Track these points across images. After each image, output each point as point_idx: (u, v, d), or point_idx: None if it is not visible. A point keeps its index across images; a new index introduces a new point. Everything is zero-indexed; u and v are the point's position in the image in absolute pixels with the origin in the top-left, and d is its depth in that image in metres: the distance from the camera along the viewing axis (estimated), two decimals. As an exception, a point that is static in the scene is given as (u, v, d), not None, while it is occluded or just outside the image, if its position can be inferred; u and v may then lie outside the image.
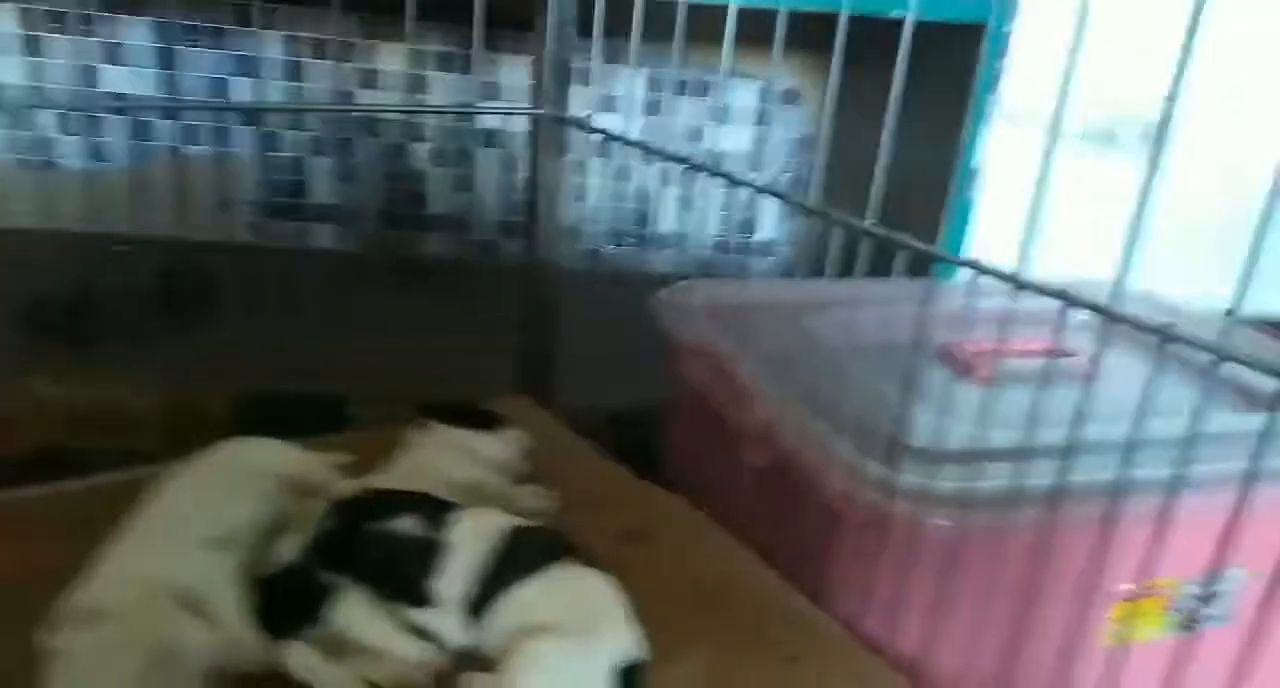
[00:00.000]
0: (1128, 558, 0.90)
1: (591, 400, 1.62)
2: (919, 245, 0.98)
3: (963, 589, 1.03)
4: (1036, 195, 0.86)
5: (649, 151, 1.34)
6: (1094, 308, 0.81)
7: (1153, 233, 0.80)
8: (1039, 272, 0.92)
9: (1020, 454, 0.96)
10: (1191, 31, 0.74)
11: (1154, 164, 0.77)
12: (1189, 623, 1.27)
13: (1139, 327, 0.78)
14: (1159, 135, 0.77)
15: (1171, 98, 0.76)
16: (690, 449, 1.36)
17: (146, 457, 1.35)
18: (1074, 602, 0.99)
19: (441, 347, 1.59)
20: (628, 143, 1.35)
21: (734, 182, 1.19)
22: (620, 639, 0.93)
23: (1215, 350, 0.74)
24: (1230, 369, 0.77)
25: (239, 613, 0.92)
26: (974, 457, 1.00)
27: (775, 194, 1.21)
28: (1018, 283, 0.87)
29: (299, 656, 0.92)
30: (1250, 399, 1.37)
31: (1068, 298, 0.83)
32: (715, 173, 1.21)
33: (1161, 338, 0.77)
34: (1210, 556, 0.82)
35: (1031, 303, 0.96)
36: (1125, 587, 1.18)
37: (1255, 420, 1.32)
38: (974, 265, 0.91)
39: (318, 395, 1.56)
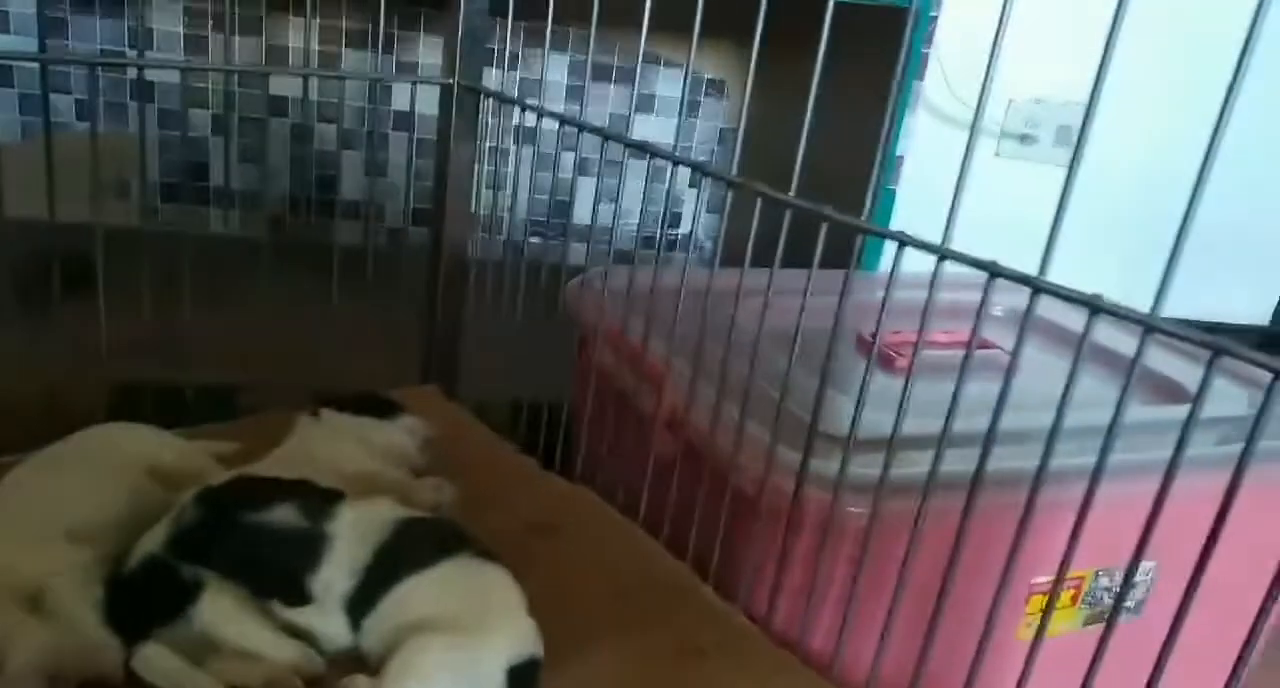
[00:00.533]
0: (1042, 550, 0.88)
1: (497, 392, 1.55)
2: (844, 218, 0.94)
3: (876, 580, 0.99)
4: (961, 171, 0.83)
5: (565, 122, 1.27)
6: (1021, 279, 0.78)
7: (1063, 231, 0.77)
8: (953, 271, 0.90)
9: (935, 443, 0.93)
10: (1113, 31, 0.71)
11: (1075, 158, 0.74)
12: (1102, 615, 1.26)
13: (1066, 296, 0.75)
14: (1081, 133, 0.73)
15: (1091, 99, 0.73)
16: (598, 439, 1.30)
17: (11, 450, 1.25)
18: (989, 594, 0.96)
19: (342, 336, 1.50)
20: (546, 113, 1.29)
21: (653, 153, 1.14)
22: (515, 636, 0.87)
23: (1142, 321, 0.71)
24: (1145, 365, 0.74)
25: (89, 612, 0.83)
26: (889, 445, 0.96)
27: (695, 166, 1.16)
28: (943, 253, 0.83)
29: (154, 659, 0.83)
30: (1166, 393, 1.38)
31: (994, 269, 0.79)
32: (632, 143, 1.16)
33: (1091, 309, 0.74)
34: (1124, 548, 0.80)
35: (950, 295, 0.94)
36: (1039, 579, 1.16)
37: (1170, 412, 1.34)
38: (900, 237, 0.87)
39: (204, 384, 1.46)
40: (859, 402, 0.95)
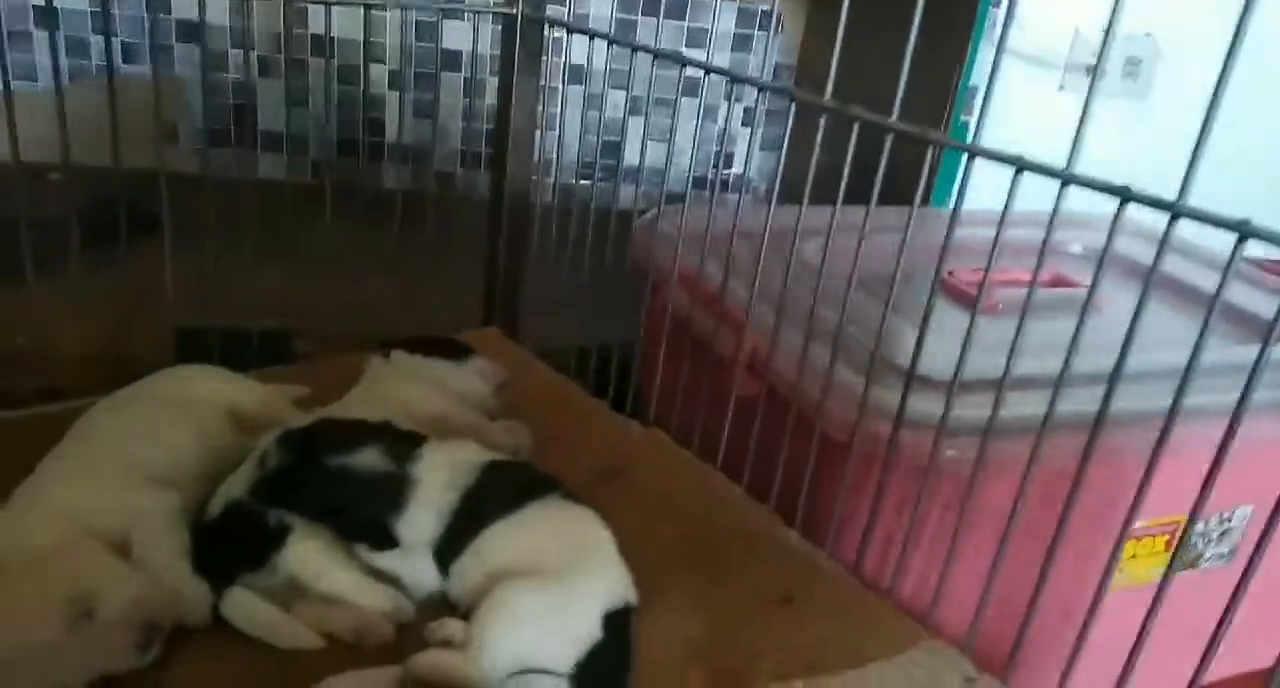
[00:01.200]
0: (1136, 494, 0.84)
1: (559, 337, 1.52)
2: (955, 142, 0.89)
3: (970, 526, 0.95)
4: (1086, 104, 0.77)
5: (638, 49, 1.21)
6: (1159, 204, 0.72)
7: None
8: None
9: (1029, 384, 0.90)
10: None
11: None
12: (1195, 561, 1.22)
13: (1211, 221, 0.70)
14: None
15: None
16: (669, 383, 1.26)
17: (81, 394, 1.24)
18: (1083, 538, 0.92)
19: (400, 282, 1.47)
20: (618, 42, 1.23)
21: (716, 71, 1.09)
22: (609, 582, 0.85)
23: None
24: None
25: (176, 558, 0.81)
26: (984, 386, 0.92)
27: (772, 88, 1.09)
28: (1068, 178, 0.78)
29: (242, 604, 0.82)
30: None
31: (1127, 194, 0.74)
32: (694, 64, 1.10)
33: (1240, 234, 0.68)
34: (1220, 492, 0.77)
35: (1022, 233, 0.89)
36: (1135, 525, 1.12)
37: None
38: (1019, 162, 0.82)
39: (263, 330, 1.44)
40: (965, 343, 0.91)
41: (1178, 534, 1.18)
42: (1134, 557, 1.17)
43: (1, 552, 0.73)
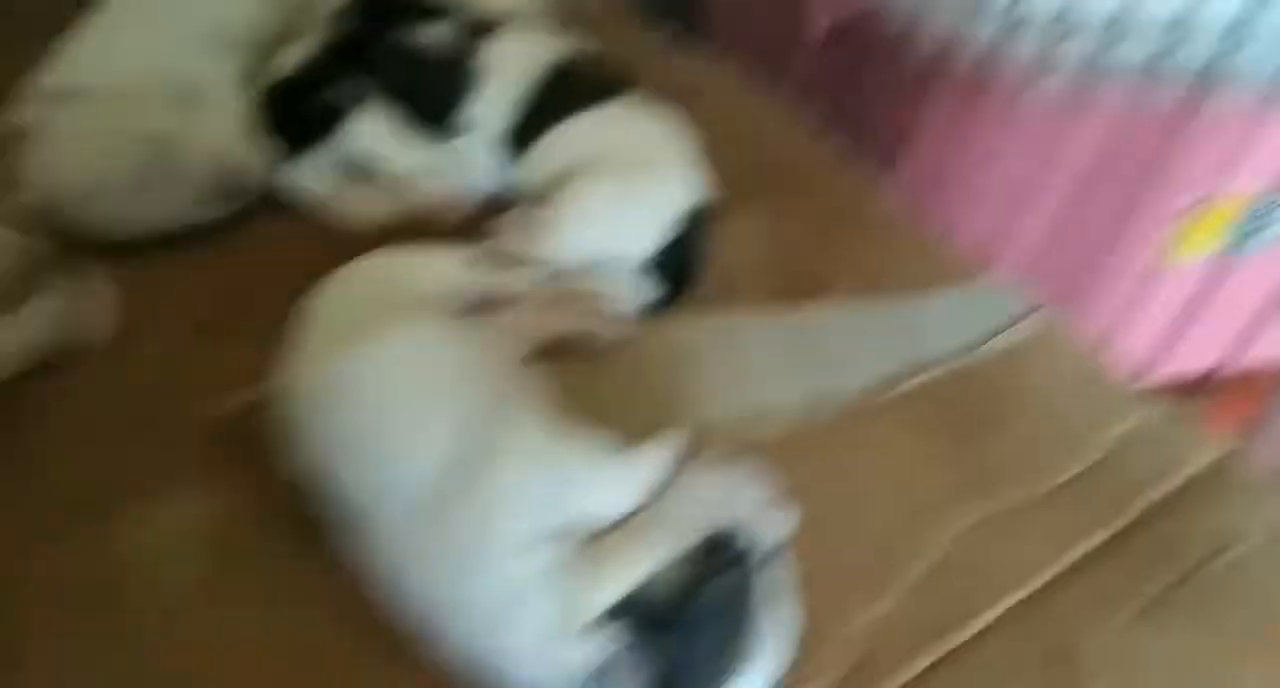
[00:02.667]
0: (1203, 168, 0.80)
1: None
2: None
3: (1049, 173, 0.92)
4: None
5: None
6: None
7: None
8: None
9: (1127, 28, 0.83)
10: None
11: None
12: (1240, 241, 1.21)
13: None
14: None
15: None
16: (739, 11, 1.17)
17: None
18: (1133, 213, 0.90)
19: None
20: None
21: None
22: (684, 182, 0.82)
23: None
24: None
25: (241, 121, 0.78)
26: (1081, 26, 0.85)
27: None
28: None
29: (306, 176, 0.80)
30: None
31: None
32: None
33: None
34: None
35: None
36: (1194, 195, 1.10)
37: None
38: None
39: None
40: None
41: (1241, 210, 1.17)
42: (1195, 230, 1.16)
43: (83, 86, 0.69)
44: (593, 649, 0.49)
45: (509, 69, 0.83)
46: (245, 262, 0.75)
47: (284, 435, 0.59)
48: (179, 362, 0.67)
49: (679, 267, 0.81)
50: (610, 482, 0.55)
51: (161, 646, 0.53)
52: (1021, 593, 0.66)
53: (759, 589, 0.52)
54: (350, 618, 0.55)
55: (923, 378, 0.81)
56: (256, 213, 0.79)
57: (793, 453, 0.71)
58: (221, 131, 0.76)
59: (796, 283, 0.87)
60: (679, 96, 1.05)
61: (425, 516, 0.53)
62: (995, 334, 0.87)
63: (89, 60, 0.74)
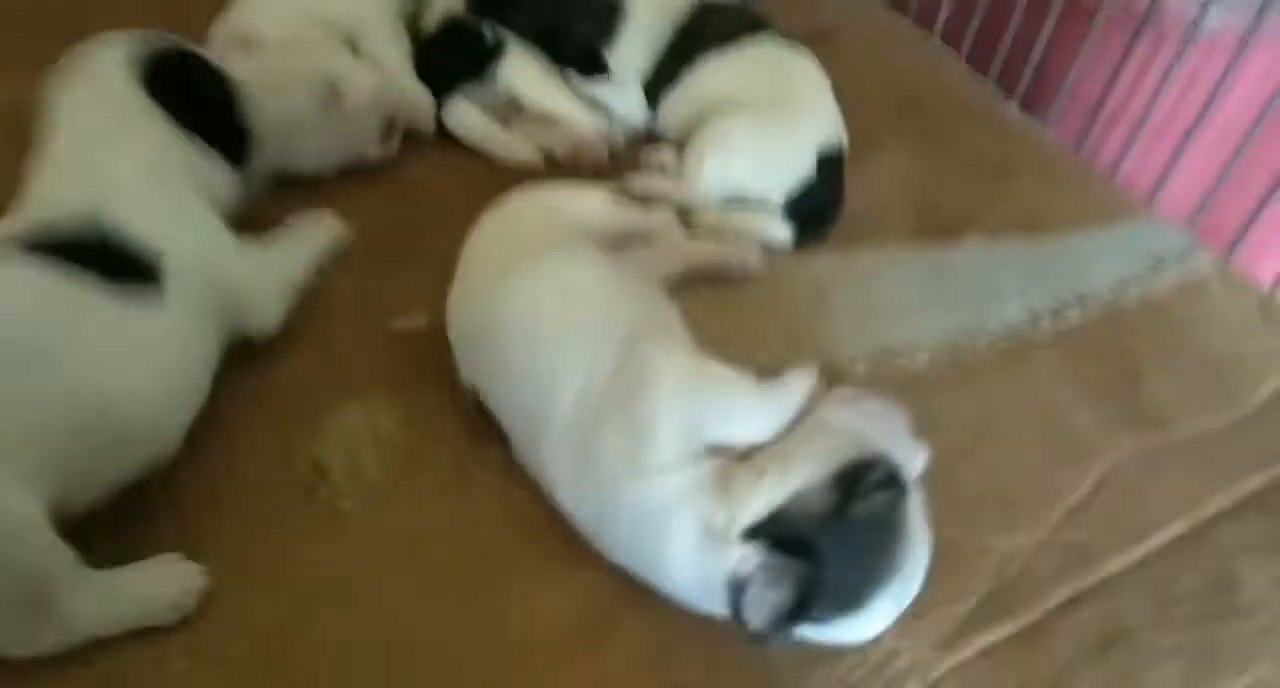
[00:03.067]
0: None
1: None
2: None
3: (1217, 109, 0.87)
4: None
5: None
6: None
7: None
8: None
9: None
10: None
11: None
12: None
13: None
14: None
15: None
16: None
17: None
18: None
19: None
20: None
21: None
22: (823, 122, 0.82)
23: None
24: None
25: (403, 61, 0.82)
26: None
27: None
28: None
29: (463, 113, 0.84)
30: None
31: None
32: None
33: None
34: None
35: None
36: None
37: None
38: None
39: None
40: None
41: None
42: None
43: (260, 34, 0.74)
44: (737, 562, 0.51)
45: (651, 11, 0.85)
46: (413, 195, 0.80)
47: (458, 353, 0.63)
48: (365, 289, 0.72)
49: (818, 204, 0.80)
50: (751, 410, 0.56)
51: (360, 528, 0.58)
52: (1180, 527, 0.64)
53: (896, 518, 0.52)
54: (519, 517, 0.59)
55: (1078, 314, 0.79)
56: (419, 149, 0.83)
57: (939, 385, 0.71)
58: (385, 73, 0.80)
59: (937, 221, 0.85)
60: (821, 35, 1.04)
61: (586, 429, 0.55)
62: (1156, 272, 0.83)
63: (260, 10, 0.79)
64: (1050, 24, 0.97)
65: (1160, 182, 0.93)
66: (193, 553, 0.55)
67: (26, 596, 0.49)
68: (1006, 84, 1.02)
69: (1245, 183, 0.87)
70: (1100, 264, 0.83)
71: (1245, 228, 0.87)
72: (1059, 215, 0.88)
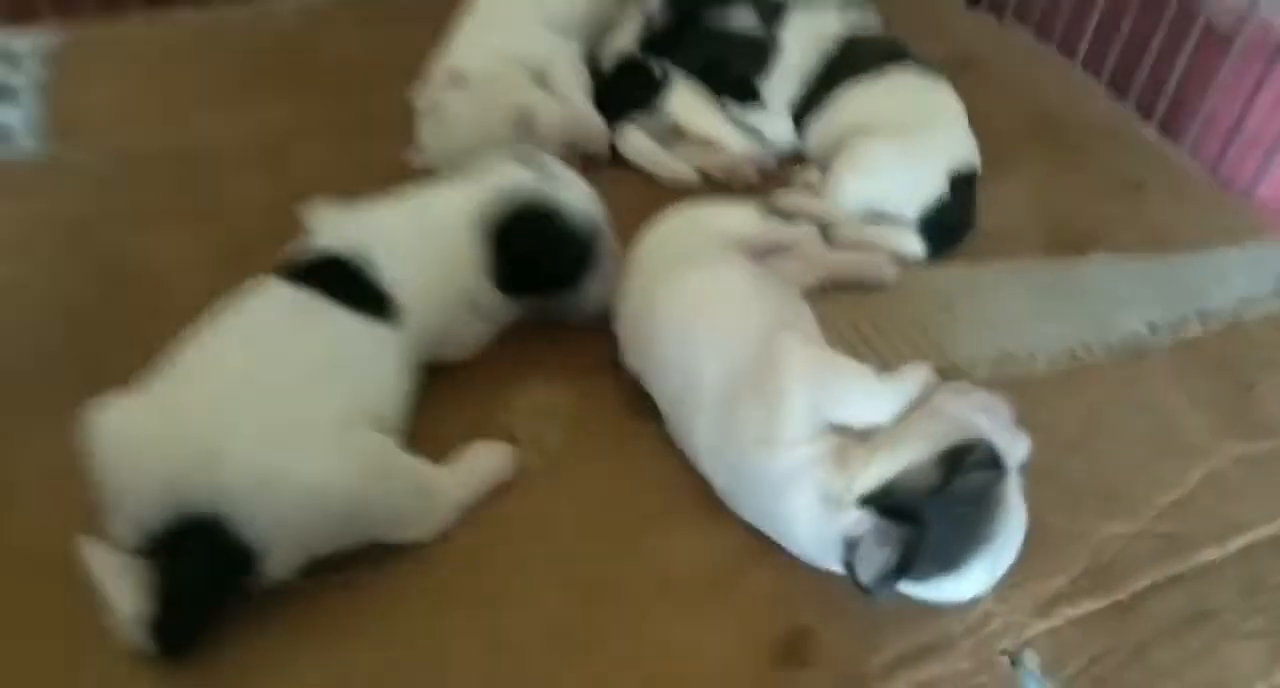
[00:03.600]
0: None
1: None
2: None
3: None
4: None
5: None
6: None
7: None
8: None
9: None
10: None
11: None
12: None
13: None
14: None
15: None
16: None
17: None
18: None
19: None
20: None
21: None
22: (957, 144, 0.90)
23: None
24: None
25: (582, 95, 0.95)
26: None
27: None
28: None
29: (634, 139, 0.96)
30: None
31: None
32: None
33: None
34: None
35: None
36: None
37: None
38: None
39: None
40: None
41: None
42: None
43: (468, 72, 0.89)
44: (851, 525, 0.60)
45: (800, 45, 0.95)
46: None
47: (621, 341, 0.75)
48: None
49: (949, 221, 0.88)
50: (867, 395, 0.64)
51: (542, 484, 0.70)
52: (1276, 527, 0.69)
53: (993, 495, 0.59)
54: (668, 480, 0.70)
55: (1196, 328, 0.83)
56: (597, 168, 0.95)
57: (1055, 387, 0.78)
58: (569, 104, 0.93)
59: (1068, 236, 0.91)
60: (968, 61, 1.12)
61: (726, 407, 0.66)
62: (1277, 292, 0.87)
63: (467, 52, 0.93)
64: (1188, 50, 1.01)
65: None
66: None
67: (416, 490, 0.64)
68: (1144, 109, 1.06)
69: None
70: (1225, 282, 0.87)
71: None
72: (1188, 233, 0.92)
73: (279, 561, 0.59)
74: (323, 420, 0.62)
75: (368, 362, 0.67)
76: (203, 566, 0.58)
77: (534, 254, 0.74)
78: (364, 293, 0.68)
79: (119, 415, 0.59)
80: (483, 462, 0.69)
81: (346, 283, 0.68)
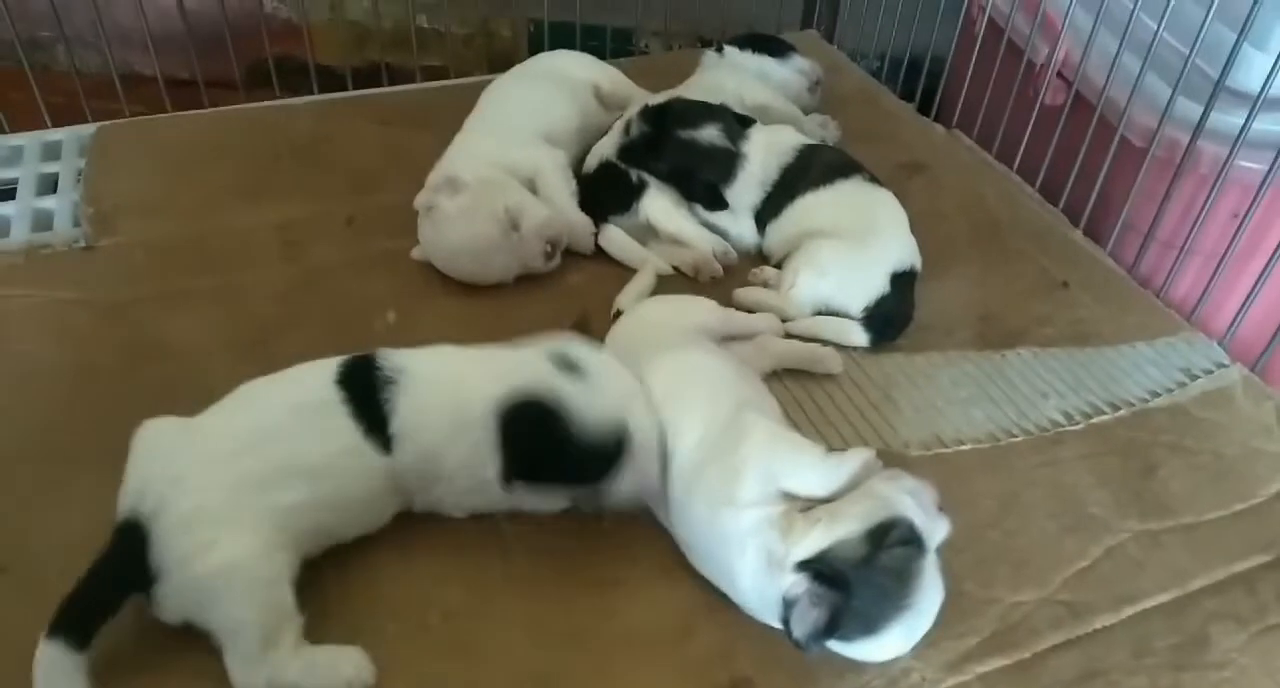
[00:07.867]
0: None
1: (871, 43, 1.58)
2: None
3: (1253, 242, 1.01)
4: None
5: None
6: None
7: None
8: None
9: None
10: None
11: None
12: None
13: None
14: None
15: None
16: (977, 89, 1.33)
17: (448, 72, 1.50)
18: None
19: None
20: None
21: None
22: (897, 247, 1.01)
23: None
24: None
25: (569, 198, 1.07)
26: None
27: None
28: None
29: (616, 237, 1.07)
30: None
31: None
32: None
33: None
34: None
35: None
36: None
37: None
38: None
39: (607, 26, 1.61)
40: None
41: None
42: None
43: (465, 178, 1.00)
44: (789, 586, 0.69)
45: (763, 158, 1.06)
46: (572, 297, 1.02)
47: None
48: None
49: (891, 315, 0.99)
50: (814, 470, 0.74)
51: (516, 541, 0.78)
52: (1168, 596, 0.78)
53: (912, 569, 0.68)
54: (636, 534, 0.79)
55: (1107, 416, 0.94)
56: (580, 261, 1.07)
57: (976, 467, 0.87)
58: (555, 206, 1.05)
59: (998, 330, 1.02)
60: (916, 168, 1.24)
61: (691, 473, 0.75)
62: (1187, 383, 0.97)
63: (464, 161, 1.04)
64: (1108, 161, 1.13)
65: (1208, 302, 1.06)
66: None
67: (265, 631, 0.66)
68: (1073, 213, 1.19)
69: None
70: (1138, 374, 0.98)
71: (1271, 342, 1.00)
72: (1107, 329, 1.03)
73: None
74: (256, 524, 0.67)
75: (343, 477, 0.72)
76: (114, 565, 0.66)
77: (531, 451, 0.74)
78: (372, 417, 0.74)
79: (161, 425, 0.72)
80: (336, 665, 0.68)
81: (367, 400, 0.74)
